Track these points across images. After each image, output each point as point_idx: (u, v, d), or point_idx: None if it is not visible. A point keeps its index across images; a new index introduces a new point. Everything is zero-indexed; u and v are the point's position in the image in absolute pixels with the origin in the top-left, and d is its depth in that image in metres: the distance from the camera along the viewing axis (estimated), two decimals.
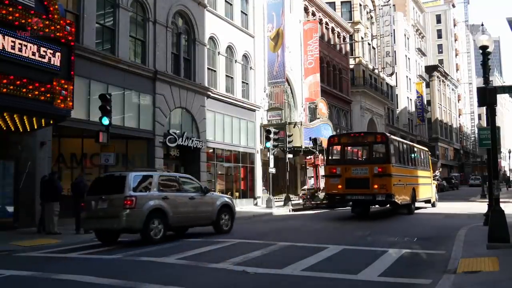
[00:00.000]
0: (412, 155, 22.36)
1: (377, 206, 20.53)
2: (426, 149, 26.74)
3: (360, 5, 51.44)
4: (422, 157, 24.54)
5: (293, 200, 29.72)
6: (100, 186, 12.96)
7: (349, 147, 19.82)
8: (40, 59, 13.07)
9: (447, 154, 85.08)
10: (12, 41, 12.37)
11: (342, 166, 18.48)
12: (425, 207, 24.34)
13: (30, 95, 12.90)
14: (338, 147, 19.51)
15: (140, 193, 12.37)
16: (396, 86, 64.49)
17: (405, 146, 21.60)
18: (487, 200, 16.30)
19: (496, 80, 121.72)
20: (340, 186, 18.27)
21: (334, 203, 20.87)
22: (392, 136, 20.62)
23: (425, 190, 23.12)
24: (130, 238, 13.18)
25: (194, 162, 24.31)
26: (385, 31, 53.78)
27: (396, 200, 18.18)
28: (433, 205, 24.78)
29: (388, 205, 19.37)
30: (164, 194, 12.89)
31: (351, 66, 49.87)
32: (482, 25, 11.93)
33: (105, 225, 12.39)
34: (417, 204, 21.67)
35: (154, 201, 12.45)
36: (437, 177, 31.27)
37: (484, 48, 11.37)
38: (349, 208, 20.63)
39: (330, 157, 19.64)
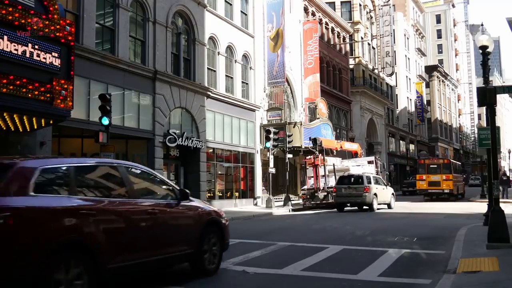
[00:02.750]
0: (456, 167, 37.61)
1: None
2: (459, 163, 44.72)
3: (360, 5, 51.46)
4: (458, 167, 40.23)
5: (293, 200, 29.73)
6: (345, 180, 24.49)
7: (429, 165, 34.98)
8: (39, 59, 13.06)
9: (446, 154, 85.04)
10: (11, 41, 12.36)
11: (426, 174, 34.16)
12: (427, 207, 24.59)
13: (30, 95, 12.89)
14: (424, 165, 35.29)
15: (369, 184, 23.72)
16: (396, 86, 64.50)
17: (455, 163, 38.33)
18: (487, 200, 16.30)
19: (496, 80, 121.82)
20: (425, 185, 34.11)
21: (422, 194, 35.56)
22: (452, 160, 39.39)
23: (461, 186, 37.64)
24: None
25: (194, 162, 24.32)
26: (385, 31, 53.79)
27: (454, 192, 33.50)
28: (463, 196, 36.81)
29: (448, 196, 33.51)
30: (376, 185, 24.37)
31: (351, 66, 49.90)
32: (482, 25, 11.93)
33: (352, 200, 23.95)
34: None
35: (373, 189, 23.88)
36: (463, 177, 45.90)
37: (484, 48, 11.37)
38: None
39: (419, 169, 36.10)
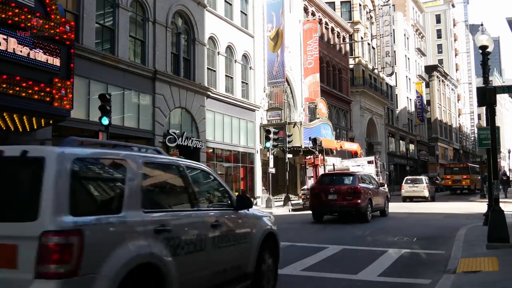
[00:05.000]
0: (473, 169, 47.37)
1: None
2: (478, 165, 49.85)
3: (360, 5, 51.44)
4: (475, 169, 48.52)
5: (293, 200, 29.72)
6: (409, 180, 34.13)
7: (453, 168, 46.55)
8: (39, 59, 13.06)
9: (446, 154, 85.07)
10: (11, 41, 12.36)
11: (450, 175, 44.95)
12: (427, 206, 24.57)
13: (29, 95, 12.89)
14: (449, 168, 47.08)
15: (426, 184, 33.78)
16: (396, 86, 64.48)
17: (472, 166, 48.89)
18: (487, 200, 16.31)
19: (496, 80, 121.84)
20: (450, 182, 44.92)
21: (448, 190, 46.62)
22: (470, 164, 51.01)
23: (478, 183, 44.42)
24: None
25: None
26: (385, 31, 53.77)
27: (471, 188, 43.53)
28: (480, 191, 41.75)
29: (468, 190, 43.67)
30: (428, 184, 34.21)
31: (351, 66, 49.87)
32: (482, 25, 11.93)
33: (414, 194, 33.32)
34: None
35: (428, 187, 33.80)
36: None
37: (483, 48, 11.37)
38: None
39: (445, 171, 47.16)
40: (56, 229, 3.55)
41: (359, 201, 17.15)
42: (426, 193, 33.00)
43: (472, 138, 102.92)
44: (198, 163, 6.35)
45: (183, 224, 4.93)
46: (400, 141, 63.75)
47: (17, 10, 12.64)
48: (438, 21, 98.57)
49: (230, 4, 28.95)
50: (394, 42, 57.37)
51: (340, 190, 17.46)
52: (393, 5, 60.68)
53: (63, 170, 3.80)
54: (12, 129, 14.63)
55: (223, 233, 5.51)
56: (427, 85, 79.14)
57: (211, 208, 5.82)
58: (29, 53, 12.78)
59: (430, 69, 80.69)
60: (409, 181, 34.16)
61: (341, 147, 35.62)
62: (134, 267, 3.99)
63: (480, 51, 11.55)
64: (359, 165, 30.96)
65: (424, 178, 35.19)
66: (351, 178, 18.33)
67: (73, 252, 3.57)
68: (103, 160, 4.47)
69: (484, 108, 14.46)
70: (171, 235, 4.53)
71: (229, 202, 6.05)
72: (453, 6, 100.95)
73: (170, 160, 5.49)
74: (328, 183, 18.36)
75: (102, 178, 4.50)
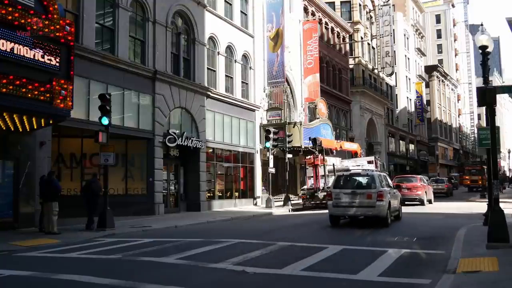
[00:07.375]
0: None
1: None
2: None
3: (360, 5, 51.42)
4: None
5: (293, 200, 29.71)
6: (434, 181, 42.04)
7: (470, 170, 55.72)
8: (39, 59, 13.07)
9: (446, 154, 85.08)
10: (11, 41, 12.37)
11: (468, 175, 54.70)
12: (428, 206, 24.62)
13: (29, 95, 12.90)
14: (467, 170, 56.71)
15: (446, 183, 44.00)
16: (396, 86, 64.47)
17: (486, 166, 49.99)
18: (487, 200, 16.32)
19: (496, 80, 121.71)
20: (468, 182, 53.61)
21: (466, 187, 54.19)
22: (485, 166, 48.74)
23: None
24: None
25: (194, 162, 24.31)
26: (385, 31, 53.75)
27: (486, 186, 45.40)
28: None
29: (482, 188, 41.81)
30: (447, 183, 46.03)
31: (351, 66, 49.85)
32: (482, 25, 11.93)
33: (438, 191, 38.59)
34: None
35: (447, 187, 43.58)
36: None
37: (483, 48, 11.38)
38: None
39: (464, 171, 58.65)
40: (379, 190, 15.99)
41: (420, 192, 28.17)
42: (446, 190, 41.84)
43: (472, 138, 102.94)
44: (383, 173, 20.65)
45: (390, 191, 16.82)
46: (400, 141, 63.76)
47: (15, 10, 12.64)
48: (438, 21, 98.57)
49: (230, 4, 28.94)
50: (394, 42, 57.36)
51: (409, 186, 28.24)
52: (393, 5, 60.64)
53: (379, 177, 16.91)
54: (12, 129, 14.65)
55: (395, 196, 17.65)
56: (427, 85, 79.14)
57: (390, 188, 17.21)
58: (28, 53, 12.78)
59: (430, 69, 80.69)
60: (433, 182, 42.46)
61: (341, 147, 35.61)
62: (389, 200, 16.26)
63: (480, 51, 11.55)
64: (359, 165, 30.85)
65: (445, 178, 46.81)
66: (415, 178, 30.16)
67: (383, 196, 15.90)
68: (379, 173, 19.26)
69: (484, 108, 14.48)
70: (390, 194, 16.71)
71: (391, 185, 18.12)
72: (453, 6, 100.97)
73: (385, 174, 20.29)
74: (400, 182, 28.77)
75: (378, 177, 16.91)
